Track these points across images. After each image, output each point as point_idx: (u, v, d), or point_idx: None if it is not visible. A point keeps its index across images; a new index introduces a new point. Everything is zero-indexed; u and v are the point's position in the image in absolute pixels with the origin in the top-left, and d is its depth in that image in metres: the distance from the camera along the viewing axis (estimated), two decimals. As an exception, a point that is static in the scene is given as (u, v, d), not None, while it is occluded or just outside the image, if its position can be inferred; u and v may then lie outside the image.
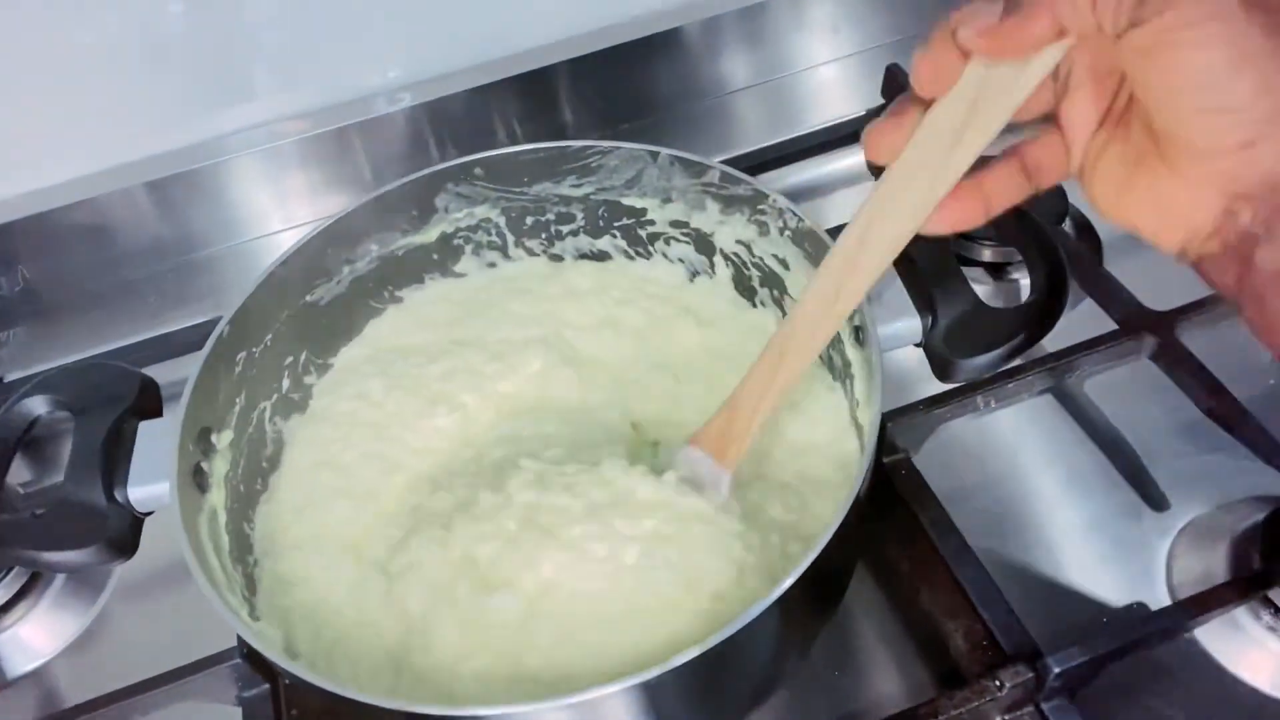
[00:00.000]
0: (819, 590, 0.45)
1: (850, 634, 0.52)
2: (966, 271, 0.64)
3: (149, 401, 0.46)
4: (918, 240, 0.46)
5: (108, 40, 0.69)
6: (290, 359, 0.52)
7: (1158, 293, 0.59)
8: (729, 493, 0.44)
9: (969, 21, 0.32)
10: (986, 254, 0.65)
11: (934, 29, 0.33)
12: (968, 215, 0.36)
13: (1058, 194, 0.66)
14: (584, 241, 0.59)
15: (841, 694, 0.50)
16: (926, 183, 0.35)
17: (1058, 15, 0.30)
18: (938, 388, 0.53)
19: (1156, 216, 0.33)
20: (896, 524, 0.53)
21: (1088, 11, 0.30)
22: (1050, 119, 0.36)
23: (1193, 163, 0.31)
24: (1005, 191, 0.36)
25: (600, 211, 0.58)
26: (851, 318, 0.47)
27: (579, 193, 0.57)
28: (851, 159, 0.76)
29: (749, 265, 0.55)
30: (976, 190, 0.36)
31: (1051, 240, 0.45)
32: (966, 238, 0.64)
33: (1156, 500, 0.55)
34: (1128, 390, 0.59)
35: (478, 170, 0.54)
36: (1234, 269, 0.31)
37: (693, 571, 0.42)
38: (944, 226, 0.36)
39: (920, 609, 0.52)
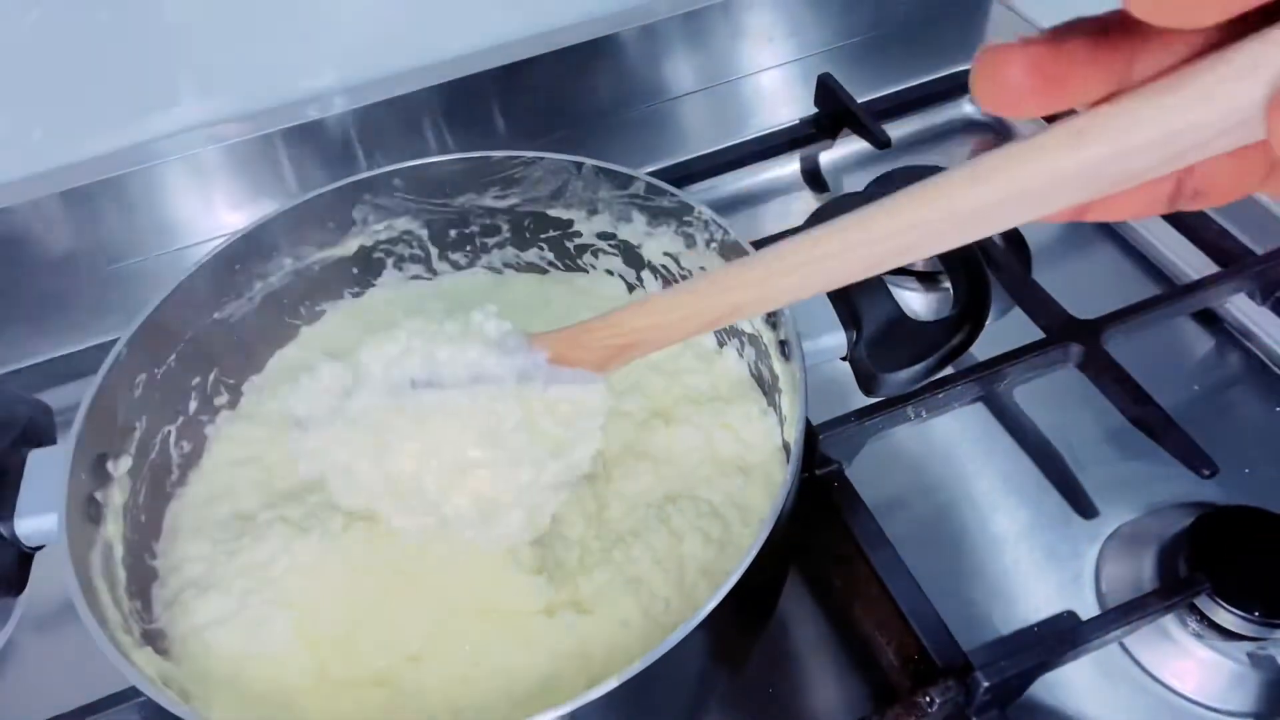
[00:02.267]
0: (749, 605, 0.44)
1: (786, 648, 0.52)
2: (899, 280, 0.65)
3: (41, 428, 0.44)
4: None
5: (22, 42, 0.66)
6: (198, 380, 0.50)
7: (1085, 302, 0.59)
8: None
9: None
10: (918, 263, 0.65)
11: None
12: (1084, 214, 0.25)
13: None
14: (510, 254, 0.58)
15: (778, 709, 0.50)
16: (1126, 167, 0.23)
17: None
18: (871, 399, 0.53)
19: None
20: (830, 536, 0.52)
21: None
22: None
23: None
24: (1138, 204, 0.25)
25: (526, 223, 0.56)
26: (777, 331, 0.47)
27: (503, 204, 0.55)
28: (787, 168, 0.76)
29: (678, 278, 0.54)
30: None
31: (974, 255, 0.45)
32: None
33: (1085, 507, 0.56)
34: (1057, 398, 0.59)
35: (396, 181, 0.53)
36: None
37: None
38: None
39: (854, 622, 0.51)
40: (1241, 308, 0.63)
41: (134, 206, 0.73)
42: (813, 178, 0.75)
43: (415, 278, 0.58)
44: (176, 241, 0.76)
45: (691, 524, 0.45)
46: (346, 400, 0.38)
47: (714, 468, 0.48)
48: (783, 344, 0.46)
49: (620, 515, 0.45)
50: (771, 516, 0.37)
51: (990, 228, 0.26)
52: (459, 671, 0.41)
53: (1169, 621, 0.50)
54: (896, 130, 0.74)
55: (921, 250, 0.27)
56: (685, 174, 0.73)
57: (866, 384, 0.45)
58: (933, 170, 0.69)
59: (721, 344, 0.53)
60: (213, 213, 0.76)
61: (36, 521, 0.40)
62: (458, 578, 0.43)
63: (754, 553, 0.35)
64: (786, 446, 0.47)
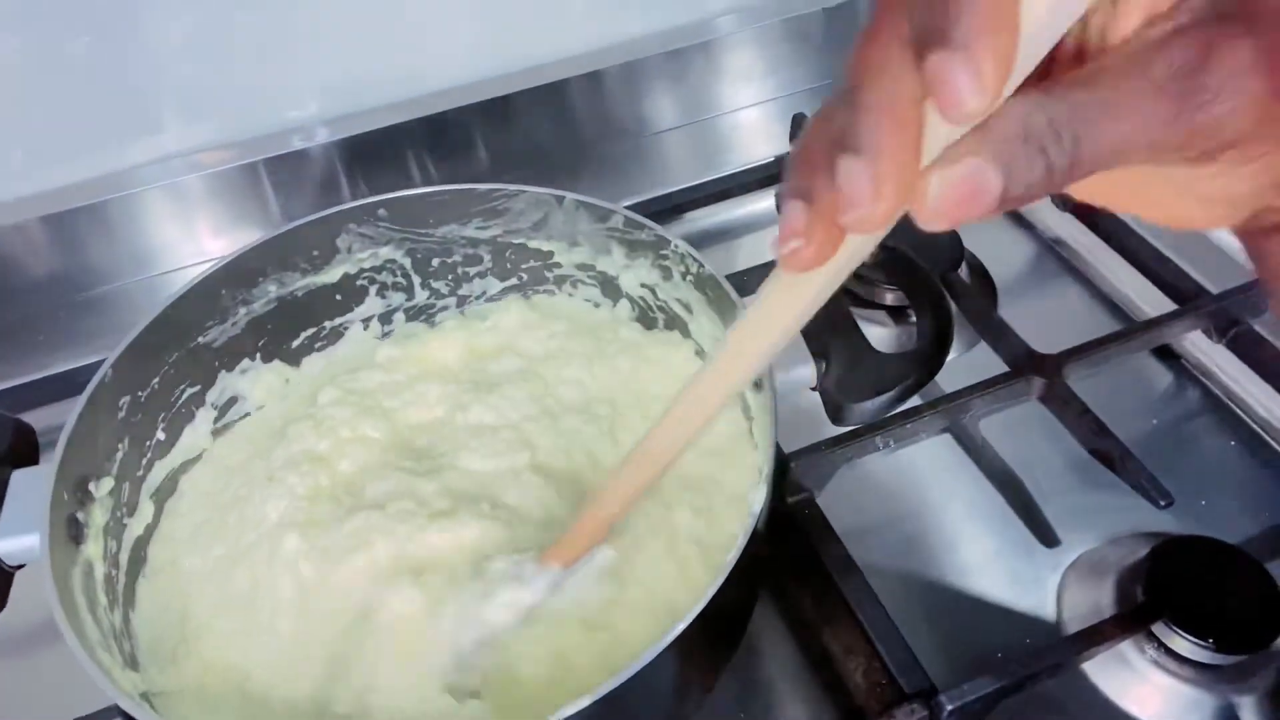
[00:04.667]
0: (720, 629, 0.45)
1: (755, 673, 0.53)
2: (869, 314, 0.67)
3: (23, 448, 0.44)
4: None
5: (6, 69, 0.67)
6: (177, 401, 0.51)
7: (1048, 337, 0.61)
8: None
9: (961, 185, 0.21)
10: (888, 298, 0.67)
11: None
12: None
13: (953, 241, 0.68)
14: (491, 283, 0.59)
15: (749, 733, 0.50)
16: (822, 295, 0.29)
17: (1091, 168, 0.22)
18: (842, 429, 0.55)
19: (1166, 217, 0.28)
20: (800, 563, 0.54)
21: (1134, 163, 0.22)
22: None
23: (1211, 204, 0.26)
24: None
25: (507, 254, 0.58)
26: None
27: (486, 235, 0.57)
28: (763, 203, 0.78)
29: (654, 308, 0.56)
30: None
31: (938, 289, 0.46)
32: (868, 282, 0.66)
33: (1047, 537, 0.57)
34: (1021, 431, 0.61)
35: (381, 211, 0.54)
36: (1251, 241, 0.27)
37: None
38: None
39: (822, 647, 0.52)
40: (1198, 344, 0.65)
41: (114, 232, 0.74)
42: (787, 214, 0.77)
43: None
44: (157, 267, 0.77)
45: (678, 496, 0.46)
46: None
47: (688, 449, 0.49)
48: (755, 374, 0.47)
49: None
50: (743, 538, 0.38)
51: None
52: None
53: (1128, 649, 0.51)
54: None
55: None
56: (664, 208, 0.74)
57: (835, 413, 0.46)
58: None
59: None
60: (194, 239, 0.77)
61: (18, 541, 0.41)
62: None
63: (730, 566, 0.36)
64: (760, 471, 0.48)
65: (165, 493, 0.50)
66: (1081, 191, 0.27)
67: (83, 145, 0.73)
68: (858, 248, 0.26)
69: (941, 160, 0.21)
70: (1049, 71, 0.23)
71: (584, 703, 0.34)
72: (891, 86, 0.21)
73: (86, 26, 0.67)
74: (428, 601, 0.42)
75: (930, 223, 0.22)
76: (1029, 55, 0.21)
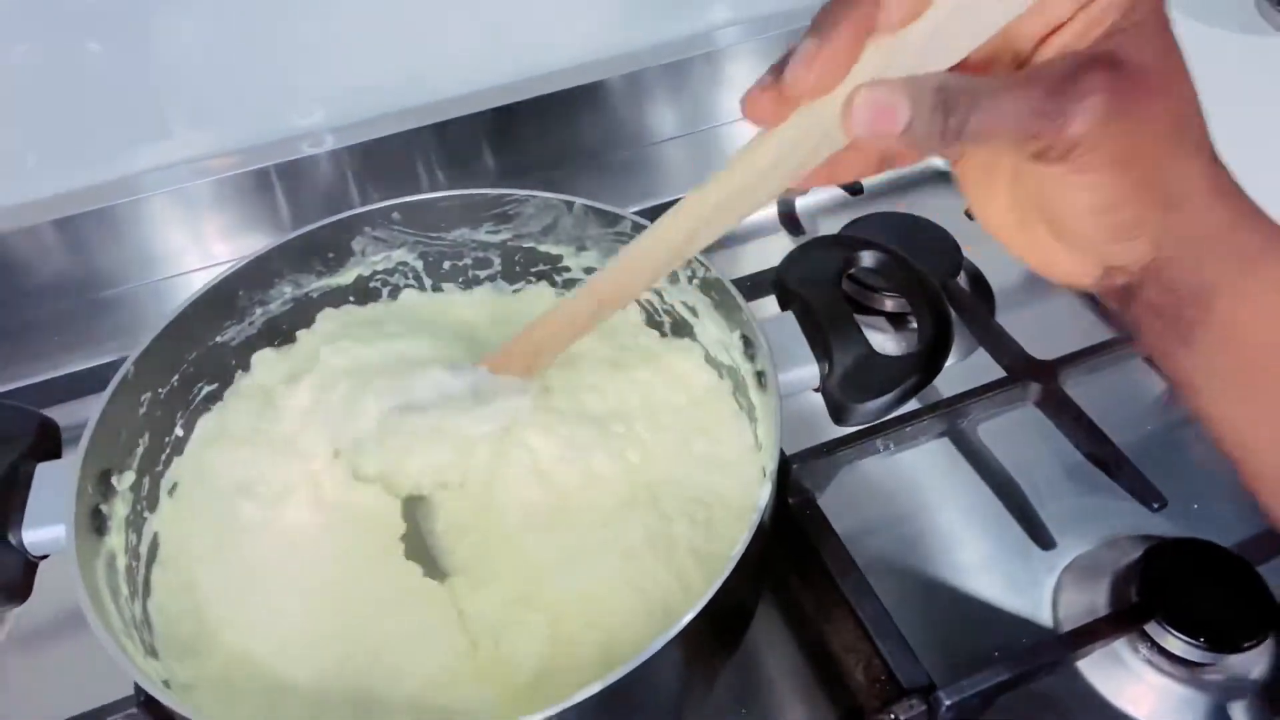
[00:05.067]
0: (723, 626, 0.46)
1: (756, 670, 0.54)
2: (870, 320, 0.68)
3: (48, 443, 0.45)
4: (815, 291, 0.49)
5: (18, 75, 0.68)
6: (194, 398, 0.52)
7: (1044, 342, 0.63)
8: (531, 399, 0.48)
9: (876, 111, 0.28)
10: (889, 304, 0.68)
11: (835, 21, 0.29)
12: (807, 182, 0.35)
13: (952, 249, 0.70)
14: (501, 285, 0.60)
15: (750, 729, 0.51)
16: (779, 176, 0.34)
17: (974, 141, 0.29)
18: (843, 431, 0.56)
19: (1041, 263, 0.36)
20: (801, 562, 0.55)
21: (1004, 147, 0.31)
22: None
23: (1071, 241, 0.34)
24: (849, 167, 0.36)
25: (517, 257, 0.59)
26: (754, 363, 0.49)
27: (496, 239, 0.58)
28: (765, 211, 0.79)
29: (660, 311, 0.57)
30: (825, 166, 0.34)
31: (937, 294, 0.48)
32: (868, 288, 0.67)
33: (1044, 539, 0.58)
34: (1017, 434, 0.62)
35: (395, 215, 0.55)
36: (1114, 301, 0.35)
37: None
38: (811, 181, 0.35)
39: (823, 645, 0.53)
40: (1191, 352, 0.66)
41: (125, 235, 0.75)
42: (789, 220, 0.79)
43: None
44: (166, 270, 0.78)
45: (679, 508, 0.47)
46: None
47: (693, 463, 0.50)
48: (759, 375, 0.48)
49: (611, 490, 0.49)
50: (749, 533, 0.39)
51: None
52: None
53: (1122, 647, 0.53)
54: (868, 177, 0.78)
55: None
56: (668, 215, 0.75)
57: (837, 414, 0.48)
58: (903, 217, 0.73)
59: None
60: (203, 243, 0.78)
61: (43, 532, 0.42)
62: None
63: (736, 560, 0.37)
64: (763, 469, 0.49)
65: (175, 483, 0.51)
66: (990, 226, 0.36)
67: (94, 150, 0.74)
68: (802, 135, 0.32)
69: (870, 82, 0.29)
70: (973, 69, 0.31)
71: (590, 692, 0.35)
72: (854, 12, 0.29)
73: (98, 33, 0.68)
74: None
75: (849, 125, 0.29)
76: (971, 34, 0.29)
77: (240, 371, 0.54)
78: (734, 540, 0.45)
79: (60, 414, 0.49)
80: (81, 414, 0.44)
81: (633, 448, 0.51)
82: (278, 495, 0.47)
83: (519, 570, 0.46)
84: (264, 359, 0.54)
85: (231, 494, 0.48)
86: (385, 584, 0.45)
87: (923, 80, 0.28)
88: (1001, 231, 0.36)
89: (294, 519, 0.47)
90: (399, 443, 0.48)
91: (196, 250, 0.78)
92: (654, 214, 0.77)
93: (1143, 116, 0.29)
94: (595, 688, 0.35)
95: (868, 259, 0.51)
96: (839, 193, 0.76)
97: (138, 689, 0.46)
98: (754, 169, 0.34)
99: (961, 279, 0.70)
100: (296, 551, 0.46)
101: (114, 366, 0.46)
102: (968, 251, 0.71)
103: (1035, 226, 0.35)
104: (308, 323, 0.56)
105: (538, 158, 0.83)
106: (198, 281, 0.77)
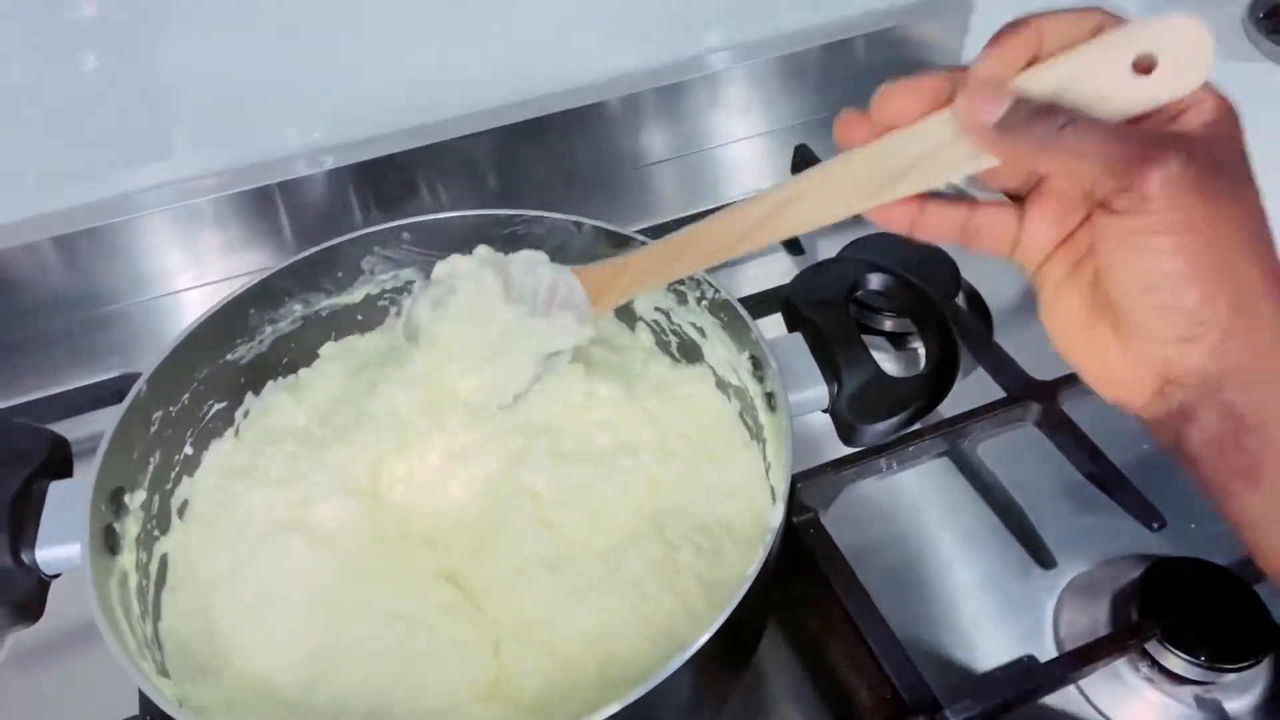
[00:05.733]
0: (734, 648, 0.46)
1: (762, 690, 0.54)
2: (870, 340, 0.69)
3: (59, 461, 0.45)
4: (824, 312, 0.50)
5: (18, 93, 0.68)
6: (207, 418, 0.52)
7: (1043, 364, 0.64)
8: (591, 330, 0.46)
9: (978, 99, 0.32)
10: (888, 324, 0.69)
11: (923, 72, 0.34)
12: (893, 219, 0.37)
13: (951, 270, 0.71)
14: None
15: (754, 750, 0.52)
16: (864, 190, 0.36)
17: (1063, 154, 0.31)
18: (845, 451, 0.56)
19: (1100, 371, 0.36)
20: (806, 581, 0.55)
21: (1086, 173, 0.32)
22: (1018, 198, 0.37)
23: (1133, 337, 0.33)
24: (937, 227, 0.37)
25: (525, 277, 0.59)
26: (764, 384, 0.50)
27: (505, 259, 0.58)
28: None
29: (668, 331, 0.57)
30: (916, 206, 0.36)
31: (944, 318, 0.49)
32: (870, 309, 0.68)
33: (1044, 558, 0.59)
34: (1017, 454, 0.63)
35: (405, 235, 0.56)
36: (1169, 434, 0.35)
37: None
38: (872, 217, 0.37)
39: (828, 664, 0.54)
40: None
41: (125, 252, 0.75)
42: (790, 241, 0.79)
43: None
44: (165, 288, 0.78)
45: (684, 536, 0.48)
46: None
47: (700, 492, 0.51)
48: (769, 396, 0.49)
49: (616, 525, 0.49)
50: (763, 552, 0.39)
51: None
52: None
53: (1122, 666, 0.53)
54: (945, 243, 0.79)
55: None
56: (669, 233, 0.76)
57: (846, 434, 0.48)
58: (902, 237, 0.73)
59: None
60: (200, 261, 0.78)
61: (57, 551, 0.42)
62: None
63: (750, 581, 0.38)
64: (772, 490, 0.49)
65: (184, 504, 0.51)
66: (1056, 329, 0.37)
67: (94, 168, 0.74)
68: (891, 153, 0.35)
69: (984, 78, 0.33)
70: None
71: (609, 711, 0.35)
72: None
73: (99, 51, 0.69)
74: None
75: (955, 108, 0.33)
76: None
77: (251, 394, 0.54)
78: (740, 565, 0.45)
79: (64, 429, 0.49)
80: (85, 430, 0.44)
81: (639, 481, 0.51)
82: (289, 524, 0.47)
83: (521, 611, 0.47)
84: (277, 402, 0.55)
85: (246, 520, 0.48)
86: (413, 602, 0.45)
87: (1028, 86, 0.32)
88: (1066, 335, 0.36)
89: (303, 547, 0.47)
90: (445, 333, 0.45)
91: (195, 268, 0.78)
92: (650, 234, 0.78)
93: (1213, 198, 0.30)
94: (613, 708, 0.35)
95: (875, 281, 0.52)
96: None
97: (142, 708, 0.45)
98: (842, 170, 0.36)
99: (960, 299, 0.71)
100: (310, 578, 0.46)
101: (115, 382, 0.46)
102: (966, 272, 0.72)
103: (1101, 328, 0.34)
104: (315, 348, 0.57)
105: (536, 177, 0.84)
106: (196, 298, 0.77)
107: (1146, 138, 0.31)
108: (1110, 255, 0.33)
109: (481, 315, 0.45)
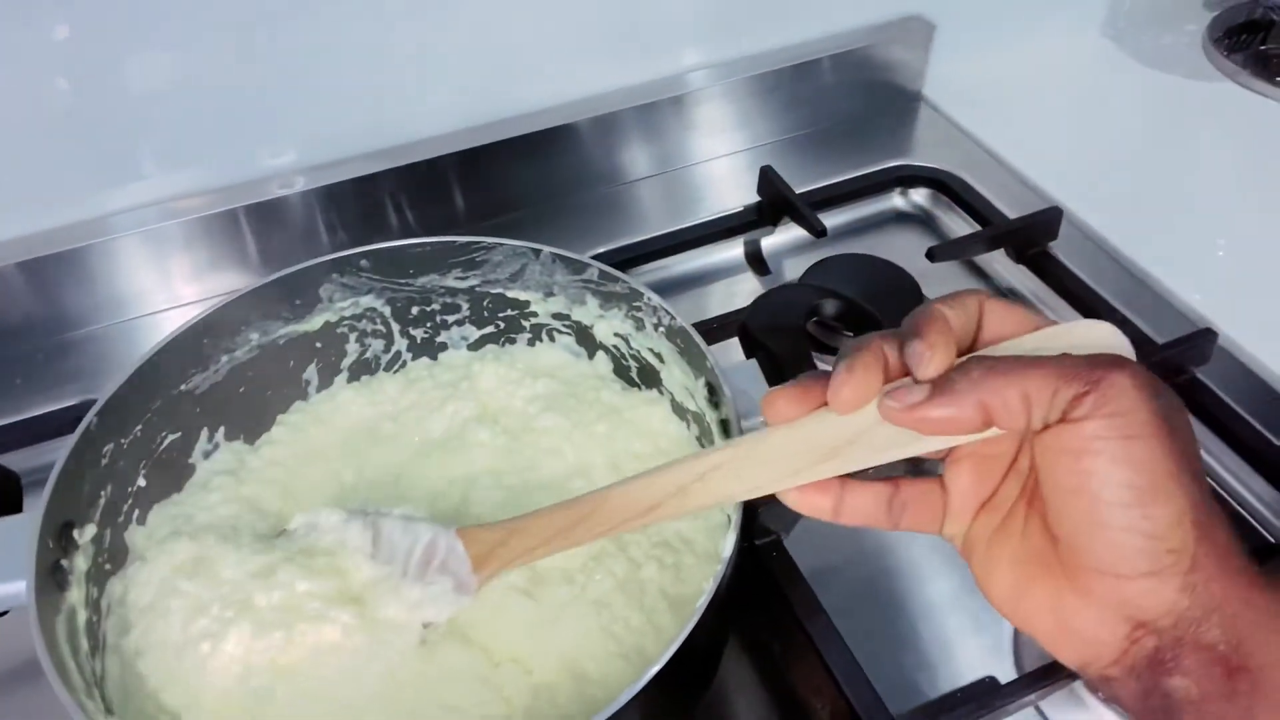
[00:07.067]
0: (693, 670, 0.46)
1: (725, 712, 0.54)
2: (830, 362, 0.69)
3: (7, 494, 0.45)
4: (779, 339, 0.50)
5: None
6: (161, 449, 0.52)
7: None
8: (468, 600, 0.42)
9: (899, 396, 0.31)
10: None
11: (860, 354, 0.32)
12: (814, 506, 0.35)
13: (913, 290, 0.71)
14: (469, 330, 0.61)
15: (716, 774, 0.52)
16: (788, 467, 0.34)
17: (988, 411, 0.30)
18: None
19: (1056, 629, 0.32)
20: (768, 605, 0.55)
21: (1019, 413, 0.30)
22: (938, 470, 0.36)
23: (1093, 581, 0.30)
24: (862, 509, 0.35)
25: (485, 303, 0.59)
26: (719, 411, 0.50)
27: (464, 285, 0.58)
28: (732, 251, 0.81)
29: (627, 357, 0.58)
30: (837, 488, 0.35)
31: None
32: (828, 329, 0.68)
33: (1005, 578, 0.59)
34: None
35: (364, 262, 0.56)
36: (1136, 688, 0.31)
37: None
38: (789, 502, 0.35)
39: (790, 686, 0.54)
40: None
41: (92, 277, 0.75)
42: (756, 261, 0.80)
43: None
44: (133, 311, 0.77)
45: (647, 553, 0.48)
46: None
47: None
48: (724, 423, 0.49)
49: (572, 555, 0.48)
50: (713, 584, 0.40)
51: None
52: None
53: (1081, 687, 0.53)
54: (832, 219, 0.79)
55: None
56: (637, 255, 0.76)
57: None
58: (865, 258, 0.74)
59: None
60: (170, 285, 0.78)
61: (2, 588, 0.41)
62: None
63: (701, 610, 0.38)
64: (728, 517, 0.50)
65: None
66: (996, 595, 0.35)
67: (62, 191, 0.74)
68: (851, 437, 0.34)
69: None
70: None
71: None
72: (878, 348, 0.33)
73: (67, 73, 0.68)
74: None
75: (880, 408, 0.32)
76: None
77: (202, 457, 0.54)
78: (702, 578, 0.45)
79: (19, 459, 0.48)
80: (42, 459, 0.44)
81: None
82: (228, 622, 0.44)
83: (488, 641, 0.46)
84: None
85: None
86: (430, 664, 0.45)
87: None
88: (1011, 598, 0.34)
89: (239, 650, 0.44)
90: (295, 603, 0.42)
91: (165, 291, 0.78)
92: (625, 254, 0.78)
93: (1167, 401, 0.30)
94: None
95: (830, 307, 0.52)
96: (804, 234, 0.78)
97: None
98: (763, 445, 0.34)
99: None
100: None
101: (75, 410, 0.46)
102: (928, 292, 0.72)
103: (1048, 582, 0.32)
104: (273, 378, 0.57)
105: (507, 199, 0.84)
106: (165, 322, 0.77)
107: (1080, 359, 0.30)
108: (1061, 479, 0.30)
109: (341, 574, 0.42)
